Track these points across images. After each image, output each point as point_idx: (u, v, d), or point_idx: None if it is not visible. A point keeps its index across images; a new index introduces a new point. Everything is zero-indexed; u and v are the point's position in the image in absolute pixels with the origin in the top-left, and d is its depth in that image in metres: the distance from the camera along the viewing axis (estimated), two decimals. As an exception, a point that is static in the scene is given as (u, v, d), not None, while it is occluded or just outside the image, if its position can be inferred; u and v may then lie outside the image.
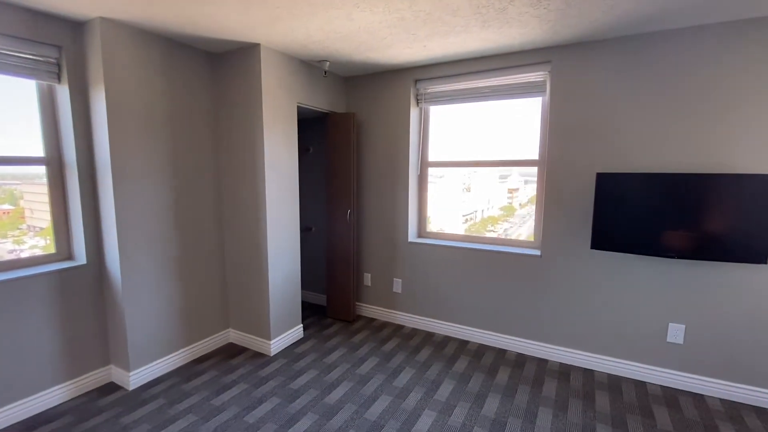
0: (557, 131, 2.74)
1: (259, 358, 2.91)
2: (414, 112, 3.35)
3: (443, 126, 3.44)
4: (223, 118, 2.91)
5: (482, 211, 3.53)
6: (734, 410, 2.28)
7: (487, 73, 2.97)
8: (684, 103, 2.35)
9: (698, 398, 2.41)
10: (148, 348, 2.58)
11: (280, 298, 3.02)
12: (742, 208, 2.16)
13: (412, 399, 2.40)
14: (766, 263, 2.16)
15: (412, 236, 3.46)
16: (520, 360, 2.89)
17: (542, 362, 2.86)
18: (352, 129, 3.35)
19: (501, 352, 3.01)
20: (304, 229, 4.05)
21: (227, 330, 3.15)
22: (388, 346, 3.11)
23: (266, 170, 2.77)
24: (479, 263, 3.12)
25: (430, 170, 3.50)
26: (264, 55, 2.69)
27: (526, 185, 3.42)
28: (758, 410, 2.28)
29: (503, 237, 3.26)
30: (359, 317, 3.71)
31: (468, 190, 3.52)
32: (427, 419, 2.21)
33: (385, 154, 3.46)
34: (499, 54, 2.86)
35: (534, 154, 3.01)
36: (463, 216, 3.55)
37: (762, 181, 2.10)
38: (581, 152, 2.67)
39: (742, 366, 2.35)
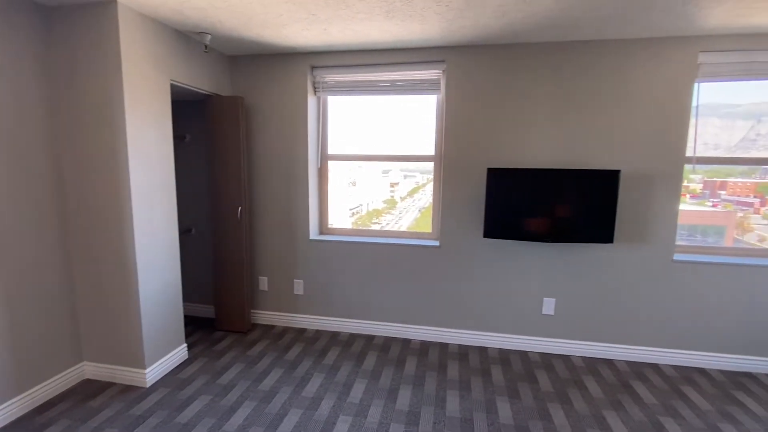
0: (451, 128, 2.89)
1: (130, 392, 2.37)
2: (311, 101, 3.15)
3: (344, 118, 3.32)
4: (63, 94, 2.24)
5: (367, 204, 3.57)
6: (592, 365, 2.77)
7: (387, 66, 2.96)
8: (557, 106, 2.72)
9: (567, 359, 2.85)
10: (-51, 408, 1.84)
11: (156, 316, 2.51)
12: (595, 197, 2.60)
13: (325, 407, 2.25)
14: (613, 243, 2.66)
15: (313, 233, 3.27)
16: (425, 347, 3.00)
17: (444, 347, 3.02)
18: (240, 115, 2.97)
19: (406, 342, 3.08)
20: (183, 231, 3.47)
21: (80, 364, 2.48)
22: (292, 354, 2.88)
23: (130, 159, 2.24)
24: (381, 257, 3.12)
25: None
26: (123, 16, 2.15)
27: (405, 179, 3.60)
28: (609, 362, 2.81)
29: (404, 230, 3.33)
30: (256, 326, 3.36)
31: (353, 184, 3.51)
32: (343, 426, 2.09)
33: (282, 145, 3.17)
34: (399, 48, 2.88)
35: (431, 150, 3.13)
36: (350, 210, 3.53)
37: (608, 175, 2.57)
38: (474, 149, 2.87)
39: (598, 327, 2.87)
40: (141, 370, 2.42)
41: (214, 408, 2.23)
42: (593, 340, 2.88)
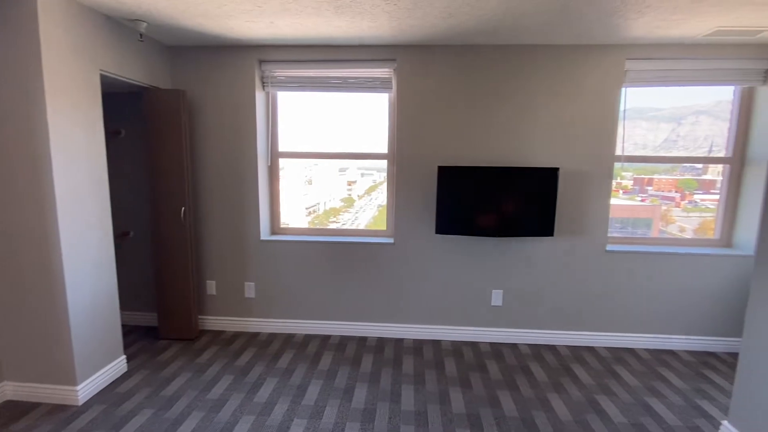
0: (403, 127, 2.92)
1: (60, 412, 2.16)
2: (260, 97, 3.04)
3: (297, 114, 3.24)
4: (-31, 81, 1.99)
5: (324, 203, 3.55)
6: (537, 351, 2.94)
7: (338, 63, 2.93)
8: (502, 107, 2.84)
9: (514, 347, 3.00)
10: None
11: (89, 326, 2.30)
12: (537, 193, 2.76)
13: (279, 412, 2.19)
14: (553, 235, 2.84)
15: (264, 234, 3.16)
16: (380, 344, 3.02)
17: (399, 342, 3.06)
18: (182, 110, 2.80)
19: (362, 340, 3.08)
20: (119, 234, 3.21)
21: (0, 384, 2.22)
22: (244, 359, 2.78)
23: (53, 156, 2.04)
24: (336, 255, 3.09)
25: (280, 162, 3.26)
26: (41, -2, 1.94)
27: (363, 177, 3.62)
28: (552, 348, 3.00)
29: (360, 228, 3.32)
30: (204, 333, 3.20)
31: (310, 182, 3.47)
32: (297, 429, 2.05)
33: (229, 141, 3.03)
34: (351, 45, 2.86)
35: (384, 148, 3.14)
36: (307, 209, 3.48)
37: (547, 173, 2.73)
38: (425, 147, 2.92)
39: (541, 316, 3.05)
40: (72, 387, 2.22)
41: (157, 422, 2.09)
42: (538, 328, 3.06)
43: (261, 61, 3.00)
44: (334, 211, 3.62)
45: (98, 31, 2.29)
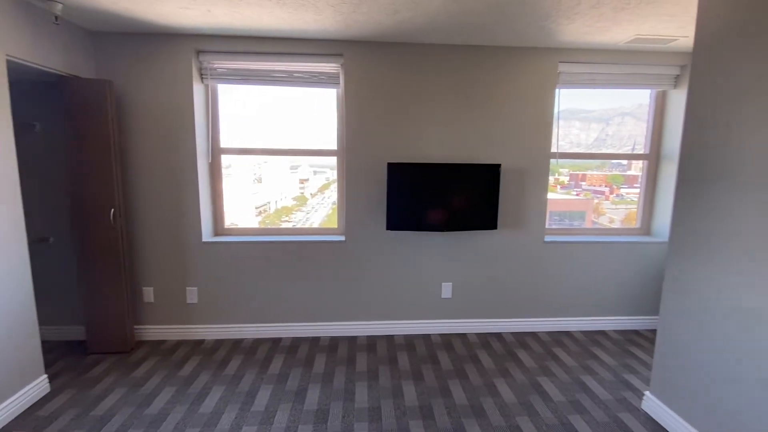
0: (351, 123, 2.90)
1: (-38, 445, 1.89)
2: (198, 89, 2.86)
3: (240, 109, 3.09)
4: None
5: (275, 202, 3.45)
6: (485, 339, 3.07)
7: (283, 56, 2.83)
8: (447, 105, 2.91)
9: (464, 337, 3.11)
10: None
11: (1, 346, 2.04)
12: (481, 189, 2.87)
13: (226, 421, 2.09)
14: (497, 229, 2.97)
15: (206, 235, 2.99)
16: (334, 344, 2.99)
17: (353, 340, 3.05)
18: (108, 101, 2.56)
19: (315, 341, 3.03)
20: (36, 240, 2.87)
21: None
22: (187, 369, 2.61)
23: (-52, 154, 1.77)
24: (286, 255, 3.01)
25: (223, 159, 3.09)
26: None
27: (315, 175, 3.56)
28: (498, 335, 3.15)
29: (309, 227, 3.25)
30: (141, 343, 2.96)
31: (259, 181, 3.35)
32: (246, 437, 1.97)
33: (164, 137, 2.82)
34: (296, 38, 2.77)
35: (333, 144, 3.10)
36: (256, 208, 3.36)
37: (490, 169, 2.85)
38: (374, 143, 2.93)
39: (488, 305, 3.18)
40: (-21, 416, 1.95)
41: (86, 445, 1.90)
42: (485, 317, 3.20)
43: (199, 52, 2.82)
44: (286, 210, 3.51)
45: (4, 11, 2.02)
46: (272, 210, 3.44)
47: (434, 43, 2.84)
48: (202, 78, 2.89)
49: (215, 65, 2.87)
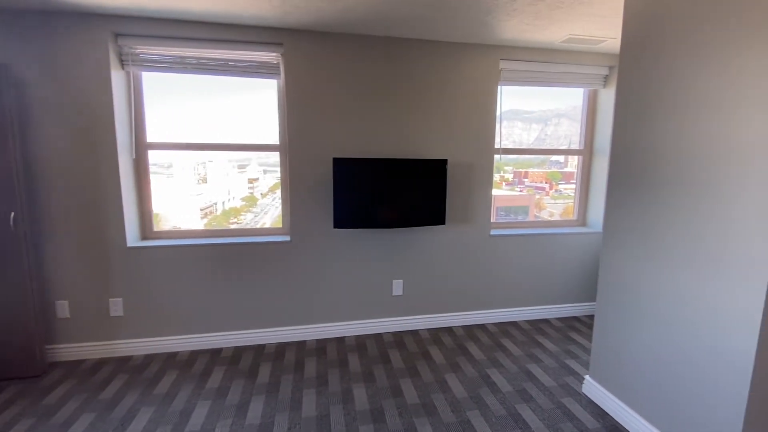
0: (294, 116, 2.75)
1: None
2: (117, 77, 2.55)
3: (172, 100, 2.81)
4: None
5: (223, 203, 3.21)
6: (436, 335, 3.07)
7: (217, 43, 2.61)
8: (395, 99, 2.85)
9: (415, 333, 3.09)
10: None
11: None
12: (429, 184, 2.86)
13: (155, 445, 1.87)
14: (445, 224, 2.97)
15: (132, 240, 2.69)
16: (280, 350, 2.83)
17: (301, 345, 2.91)
18: (3, 88, 2.19)
19: (260, 348, 2.85)
20: None
21: None
22: (110, 390, 2.33)
23: None
24: (226, 259, 2.79)
25: (156, 158, 2.80)
26: None
27: (265, 175, 3.37)
28: (449, 330, 3.16)
29: (251, 227, 3.05)
30: (55, 365, 2.60)
31: (204, 180, 3.09)
32: (178, 462, 1.77)
33: (77, 130, 2.49)
34: (231, 24, 2.56)
35: (275, 139, 2.93)
36: (201, 210, 3.10)
37: (438, 164, 2.85)
38: (318, 138, 2.80)
39: (438, 300, 3.19)
40: None
41: (-25, 493, 1.60)
42: (436, 312, 3.20)
43: (117, 35, 2.52)
44: (235, 211, 3.27)
45: None
46: (219, 211, 3.19)
47: (380, 36, 2.77)
48: (122, 64, 2.59)
49: (138, 51, 2.58)
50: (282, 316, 2.94)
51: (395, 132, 2.90)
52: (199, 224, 3.06)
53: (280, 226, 3.03)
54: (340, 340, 2.98)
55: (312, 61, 2.71)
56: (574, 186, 3.55)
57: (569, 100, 3.43)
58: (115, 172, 2.56)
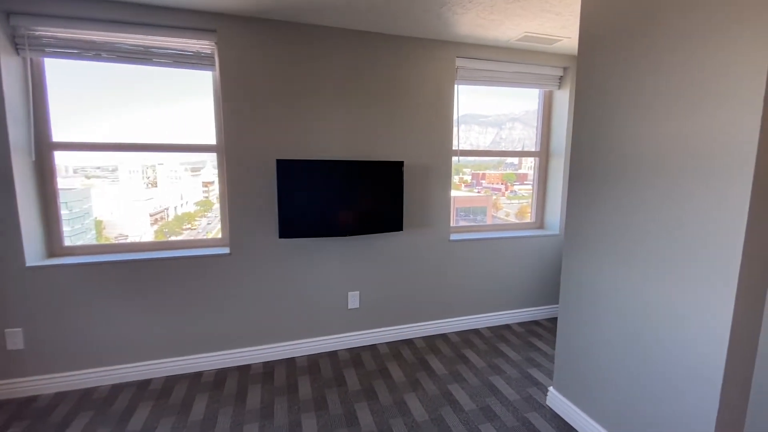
0: (232, 113, 2.45)
1: None
2: (11, 64, 2.13)
3: (87, 95, 2.40)
4: None
5: (175, 208, 2.86)
6: (396, 349, 2.88)
7: (138, 27, 2.25)
8: (346, 97, 2.63)
9: (374, 348, 2.87)
10: None
11: None
12: (385, 188, 2.66)
13: None
14: (403, 230, 2.79)
15: (34, 258, 2.26)
16: (220, 377, 2.50)
17: (245, 369, 2.60)
18: None
19: (196, 377, 2.50)
20: None
21: None
22: (0, 444, 1.91)
23: None
24: (153, 276, 2.42)
25: (98, 161, 2.39)
26: None
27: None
28: (409, 342, 2.97)
29: (184, 239, 2.69)
30: (-72, 415, 2.11)
31: (154, 184, 2.73)
32: None
33: (-50, 126, 2.03)
34: (153, 5, 2.22)
35: (212, 139, 2.60)
36: (151, 216, 2.76)
37: (393, 166, 2.66)
38: (261, 137, 2.51)
39: (397, 311, 2.99)
40: None
41: None
42: (395, 324, 3.01)
43: (9, 14, 2.10)
44: (189, 217, 2.92)
45: None
46: (171, 217, 2.83)
47: (330, 26, 2.53)
48: (16, 49, 2.17)
49: (38, 33, 2.17)
50: (222, 339, 2.61)
51: (347, 131, 2.67)
52: (149, 231, 2.70)
53: (219, 236, 2.70)
54: (290, 362, 2.70)
55: (252, 52, 2.43)
56: (528, 187, 3.53)
57: (523, 105, 3.43)
58: (7, 176, 2.13)
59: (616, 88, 1.72)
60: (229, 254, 2.55)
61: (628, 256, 1.70)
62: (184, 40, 2.36)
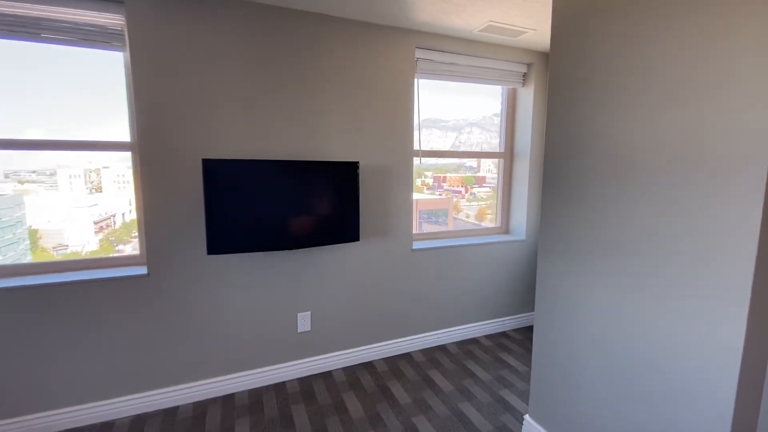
0: (146, 104, 2.01)
1: None
2: None
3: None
4: None
5: (123, 214, 2.42)
6: (353, 375, 2.53)
7: (10, -10, 1.77)
8: (289, 87, 2.26)
9: (328, 376, 2.52)
10: None
11: None
12: (337, 192, 2.33)
13: None
14: (359, 240, 2.46)
15: None
16: (138, 424, 2.04)
17: (170, 413, 2.14)
18: None
19: (107, 427, 2.02)
20: None
21: None
22: None
23: None
24: (53, 305, 1.93)
25: (33, 164, 1.85)
26: None
27: None
28: (368, 366, 2.64)
29: (90, 257, 2.19)
30: None
31: (98, 189, 2.36)
32: None
33: None
34: (28, -37, 1.75)
35: (125, 135, 2.15)
36: (96, 224, 2.37)
37: (347, 167, 2.33)
38: (184, 133, 2.09)
39: (349, 331, 2.65)
40: None
41: None
42: (352, 347, 2.67)
43: None
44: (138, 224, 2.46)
45: None
46: (118, 224, 2.38)
47: (270, 5, 2.17)
48: None
49: None
50: (142, 379, 2.14)
51: (290, 127, 2.31)
52: (93, 240, 2.29)
53: (137, 253, 2.23)
54: (227, 399, 2.27)
55: (170, 30, 2.01)
56: (486, 189, 3.44)
57: (480, 110, 3.31)
58: None
59: (597, 79, 1.50)
60: (147, 275, 2.09)
61: (613, 270, 1.48)
62: (85, 12, 1.91)
